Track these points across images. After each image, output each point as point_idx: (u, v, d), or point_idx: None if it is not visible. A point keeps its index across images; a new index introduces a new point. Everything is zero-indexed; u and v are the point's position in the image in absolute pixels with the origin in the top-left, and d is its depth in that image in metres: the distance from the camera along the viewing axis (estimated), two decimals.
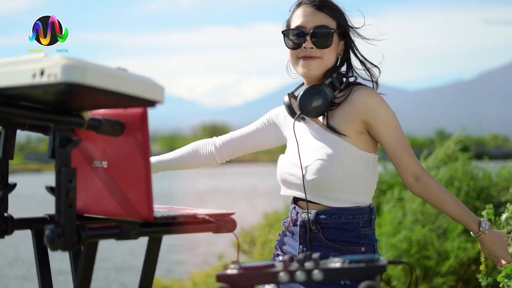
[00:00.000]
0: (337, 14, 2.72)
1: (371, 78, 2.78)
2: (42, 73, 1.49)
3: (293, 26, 2.72)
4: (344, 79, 2.74)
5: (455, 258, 5.81)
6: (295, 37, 2.70)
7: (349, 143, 2.62)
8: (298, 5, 2.75)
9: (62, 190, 1.64)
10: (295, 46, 2.70)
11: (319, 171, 2.61)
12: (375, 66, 2.78)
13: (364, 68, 2.78)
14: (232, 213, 2.02)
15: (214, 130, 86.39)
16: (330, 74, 2.70)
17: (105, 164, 1.89)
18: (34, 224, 2.05)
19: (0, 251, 12.44)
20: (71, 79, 1.46)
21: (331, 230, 2.63)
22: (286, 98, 2.80)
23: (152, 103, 1.67)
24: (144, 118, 1.78)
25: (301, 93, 2.70)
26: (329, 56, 2.70)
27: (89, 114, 1.75)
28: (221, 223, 1.97)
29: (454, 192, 6.38)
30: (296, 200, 2.78)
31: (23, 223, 2.03)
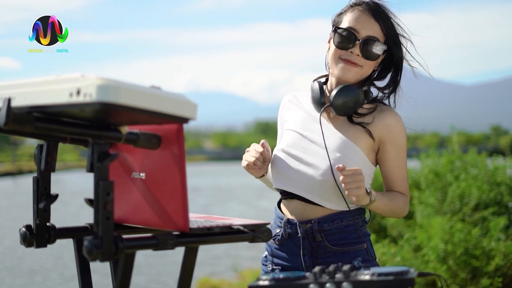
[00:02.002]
0: (391, 27, 2.69)
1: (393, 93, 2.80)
2: (78, 92, 1.55)
3: (345, 25, 2.68)
4: (376, 93, 2.78)
5: (503, 258, 5.76)
6: (346, 38, 2.66)
7: (363, 152, 2.67)
8: (356, 4, 2.71)
9: (100, 203, 1.70)
10: (343, 47, 2.66)
11: (327, 173, 2.63)
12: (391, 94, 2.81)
13: (393, 85, 2.79)
14: (268, 223, 2.06)
15: (267, 127, 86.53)
16: (369, 84, 2.72)
17: (143, 175, 1.95)
18: (75, 233, 2.12)
19: (65, 247, 12.74)
20: (106, 99, 1.52)
21: (334, 235, 2.66)
22: (316, 85, 2.76)
23: (185, 120, 1.72)
24: (180, 131, 1.83)
25: (339, 88, 2.66)
26: (369, 68, 2.70)
27: (127, 128, 1.80)
28: (257, 233, 2.01)
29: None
30: (280, 204, 2.80)
31: (65, 233, 2.10)
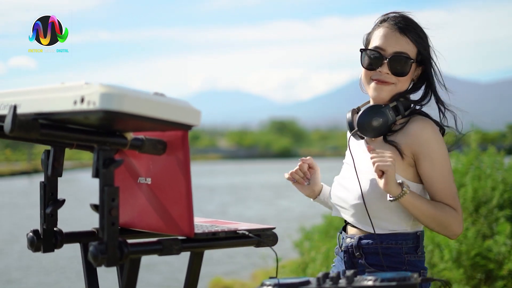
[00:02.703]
0: (420, 40, 2.62)
1: (443, 112, 2.70)
2: (82, 100, 1.57)
3: (372, 45, 2.64)
4: (411, 105, 2.67)
5: None
6: (372, 59, 2.62)
7: (397, 173, 2.53)
8: (382, 21, 2.66)
9: (105, 208, 1.71)
10: (371, 68, 2.62)
11: (360, 197, 2.56)
12: (445, 109, 2.69)
13: (437, 101, 2.69)
14: (273, 228, 2.07)
15: (282, 126, 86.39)
16: (397, 97, 2.62)
17: (149, 180, 1.97)
18: (82, 238, 2.15)
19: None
20: (109, 107, 1.54)
21: (373, 255, 2.58)
22: (349, 114, 2.70)
23: (188, 127, 1.74)
24: (185, 137, 1.84)
25: (363, 110, 2.63)
26: (403, 83, 2.62)
27: (132, 134, 1.82)
28: (262, 238, 2.02)
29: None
30: (345, 225, 2.75)
31: (72, 237, 2.12)
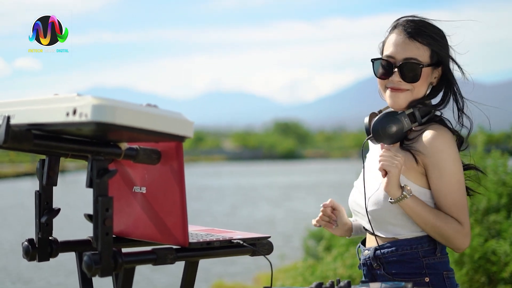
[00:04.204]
0: (433, 42, 2.57)
1: (460, 119, 2.67)
2: (74, 112, 1.57)
3: (384, 53, 2.62)
4: (431, 111, 2.62)
5: None
6: (384, 68, 2.60)
7: (409, 180, 2.52)
8: (393, 28, 2.64)
9: (99, 219, 1.72)
10: (383, 77, 2.61)
11: (374, 204, 2.55)
12: (462, 114, 2.66)
13: (457, 106, 2.66)
14: (268, 236, 2.07)
15: (286, 127, 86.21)
16: (415, 104, 2.58)
17: (144, 190, 1.97)
18: (78, 247, 2.14)
19: None
20: (101, 119, 1.54)
21: (391, 264, 2.56)
22: (366, 119, 2.67)
23: (181, 138, 1.74)
24: (179, 147, 1.84)
25: (378, 116, 2.60)
26: (419, 89, 2.58)
27: (126, 144, 1.82)
28: (257, 247, 2.02)
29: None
30: (364, 239, 2.74)
31: (68, 246, 2.12)
